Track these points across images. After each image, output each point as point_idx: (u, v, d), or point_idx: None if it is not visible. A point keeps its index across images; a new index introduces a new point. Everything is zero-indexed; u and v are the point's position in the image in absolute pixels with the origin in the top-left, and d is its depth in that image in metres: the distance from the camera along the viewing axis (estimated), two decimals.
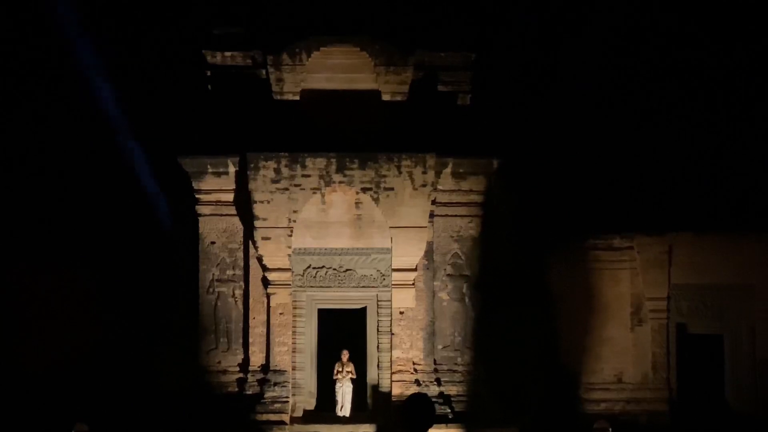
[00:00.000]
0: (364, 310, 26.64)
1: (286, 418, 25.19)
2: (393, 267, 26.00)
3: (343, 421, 25.89)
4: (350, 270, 26.24)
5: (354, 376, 26.25)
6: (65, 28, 30.55)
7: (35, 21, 31.54)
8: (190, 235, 26.71)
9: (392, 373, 25.94)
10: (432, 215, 26.32)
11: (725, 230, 28.02)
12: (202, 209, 26.49)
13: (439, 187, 26.19)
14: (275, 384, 25.75)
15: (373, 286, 26.28)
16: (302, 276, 26.19)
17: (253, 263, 26.34)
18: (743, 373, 28.26)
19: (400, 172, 25.51)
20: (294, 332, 26.07)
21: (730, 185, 29.76)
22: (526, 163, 28.89)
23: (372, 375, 26.37)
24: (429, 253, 26.48)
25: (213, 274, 26.53)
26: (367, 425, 25.43)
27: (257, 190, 25.46)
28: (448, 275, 26.63)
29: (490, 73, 29.14)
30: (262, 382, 25.85)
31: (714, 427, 27.03)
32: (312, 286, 26.26)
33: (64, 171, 29.30)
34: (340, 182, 25.60)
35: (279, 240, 25.62)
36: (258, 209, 25.51)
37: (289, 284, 26.02)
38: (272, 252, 25.71)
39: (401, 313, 26.17)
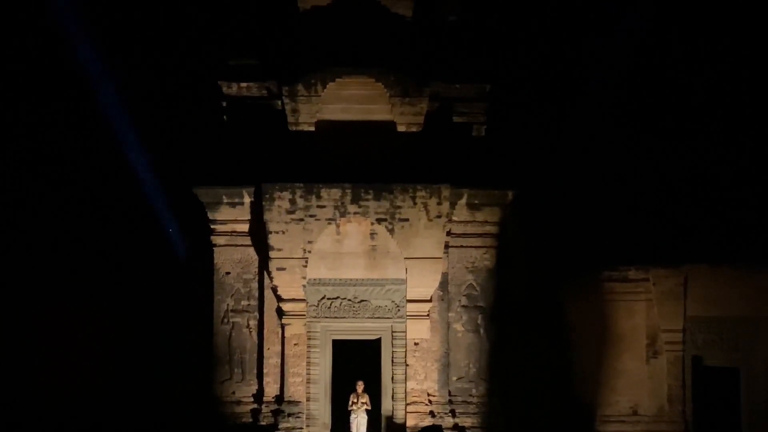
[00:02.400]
0: (378, 341, 26.57)
1: None
2: (408, 298, 25.96)
3: None
4: (365, 301, 26.20)
5: (368, 407, 26.15)
6: (84, 61, 30.79)
7: (54, 53, 31.79)
8: (205, 265, 26.75)
9: (407, 405, 25.87)
10: (447, 246, 26.33)
11: (741, 262, 27.89)
12: (217, 239, 26.55)
13: (454, 218, 26.22)
14: (289, 415, 25.70)
15: (387, 317, 26.22)
16: (317, 306, 26.16)
17: (268, 294, 26.37)
18: (760, 406, 28.03)
19: (415, 203, 25.52)
20: (308, 363, 26.02)
21: (746, 217, 29.67)
22: (541, 195, 28.90)
23: (386, 406, 26.27)
24: (444, 284, 26.48)
25: (228, 305, 26.56)
26: None
27: (272, 221, 25.49)
28: (463, 306, 26.60)
29: (505, 105, 29.20)
30: (277, 413, 25.82)
31: None
32: (326, 317, 26.22)
33: (80, 202, 29.42)
34: (355, 213, 25.61)
35: (294, 270, 25.64)
36: (273, 240, 25.53)
37: (304, 315, 26.00)
38: (287, 282, 25.72)
39: (416, 344, 26.14)
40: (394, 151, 26.44)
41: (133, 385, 27.28)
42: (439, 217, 25.57)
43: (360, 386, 26.22)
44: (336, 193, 25.57)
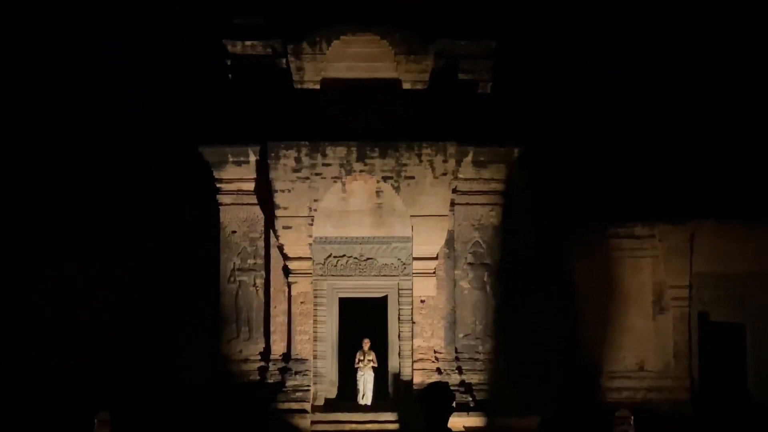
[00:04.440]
0: (385, 298, 26.63)
1: (307, 406, 25.23)
2: (414, 256, 25.97)
3: (365, 409, 25.94)
4: (371, 259, 26.23)
5: (375, 365, 26.30)
6: (87, 17, 30.67)
7: (57, 8, 31.68)
8: (212, 224, 26.75)
9: (413, 362, 25.94)
10: (453, 204, 26.28)
11: (747, 219, 27.89)
12: (222, 198, 26.53)
13: (460, 175, 26.15)
14: (296, 373, 25.78)
15: (394, 275, 26.26)
16: (323, 265, 26.20)
17: (274, 252, 26.37)
18: (765, 362, 28.13)
19: (421, 161, 25.48)
20: (315, 321, 26.10)
21: (752, 173, 29.62)
22: (547, 152, 28.84)
23: (393, 363, 26.38)
24: (450, 242, 26.46)
25: (234, 264, 26.56)
26: (388, 413, 25.45)
27: (278, 179, 25.47)
28: (469, 264, 26.60)
29: (511, 62, 29.08)
30: (284, 371, 25.90)
31: (736, 416, 26.96)
32: (333, 275, 26.27)
33: (85, 162, 29.41)
34: (361, 171, 25.58)
35: (300, 229, 25.63)
36: (279, 198, 25.52)
37: (310, 273, 26.03)
38: (293, 241, 25.73)
39: (422, 301, 26.15)
40: (400, 108, 26.40)
41: (141, 345, 27.36)
42: (444, 174, 25.53)
43: (366, 344, 26.35)
44: (341, 151, 25.53)
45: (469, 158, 26.15)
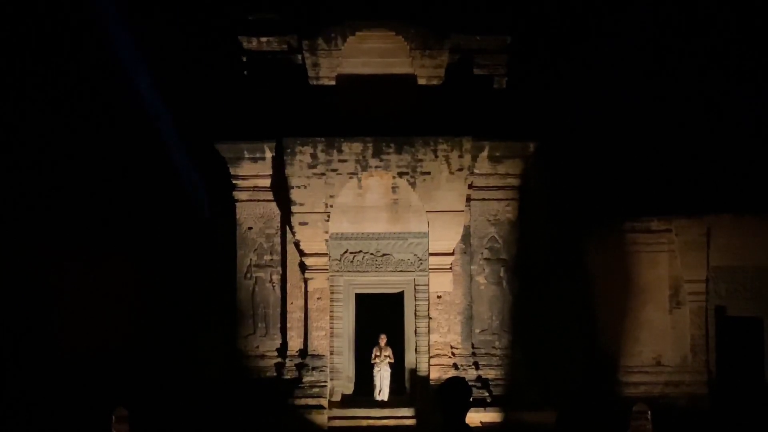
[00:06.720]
0: (401, 294, 26.67)
1: (324, 402, 25.28)
2: (430, 251, 25.99)
3: (382, 405, 25.97)
4: (387, 254, 26.28)
5: (392, 361, 26.32)
6: (103, 15, 30.75)
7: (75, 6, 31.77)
8: (228, 220, 26.80)
9: (430, 357, 25.96)
10: (469, 199, 26.30)
11: (764, 212, 27.80)
12: (239, 195, 26.58)
13: (476, 170, 26.15)
14: (313, 368, 25.83)
15: (410, 271, 26.30)
16: (339, 261, 26.25)
17: (291, 248, 26.40)
18: None
19: (437, 156, 25.48)
20: (332, 317, 26.14)
21: None
22: (563, 146, 28.80)
23: (410, 359, 26.42)
24: (466, 237, 26.47)
25: (250, 260, 26.61)
26: (405, 409, 25.49)
27: (294, 176, 25.51)
28: (486, 259, 26.59)
29: (526, 56, 29.04)
30: (301, 367, 25.95)
31: (754, 411, 26.89)
32: (349, 271, 26.32)
33: (104, 158, 29.49)
34: (377, 167, 25.60)
35: (316, 225, 25.67)
36: (295, 194, 25.56)
37: (327, 269, 26.07)
38: (309, 237, 25.77)
39: (439, 297, 26.16)
40: (415, 104, 26.38)
41: (158, 341, 27.42)
42: (460, 170, 25.53)
43: (383, 339, 26.38)
44: (357, 147, 25.55)
45: (485, 153, 26.14)
